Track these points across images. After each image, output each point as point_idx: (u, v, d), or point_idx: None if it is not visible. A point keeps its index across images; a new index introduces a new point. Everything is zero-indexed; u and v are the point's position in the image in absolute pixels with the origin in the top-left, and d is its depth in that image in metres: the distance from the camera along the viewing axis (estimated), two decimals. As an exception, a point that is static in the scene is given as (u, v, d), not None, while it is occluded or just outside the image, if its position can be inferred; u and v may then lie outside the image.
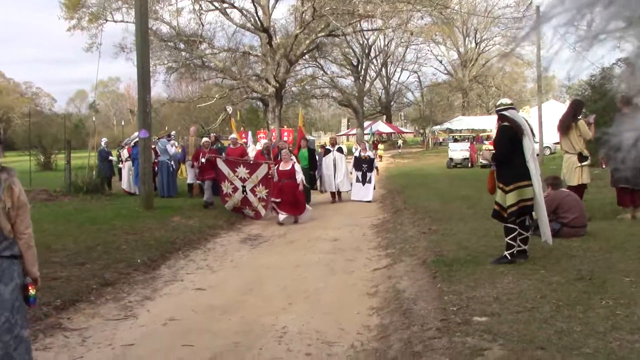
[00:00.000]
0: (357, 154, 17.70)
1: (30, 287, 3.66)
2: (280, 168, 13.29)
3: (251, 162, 13.89)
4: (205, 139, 15.85)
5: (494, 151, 7.20)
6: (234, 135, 16.69)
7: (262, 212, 13.35)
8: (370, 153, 17.79)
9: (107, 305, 6.57)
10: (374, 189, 17.24)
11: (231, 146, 15.78)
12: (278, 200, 13.01)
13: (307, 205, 13.60)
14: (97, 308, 6.43)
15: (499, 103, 7.13)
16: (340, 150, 17.61)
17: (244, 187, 13.37)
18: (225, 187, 13.55)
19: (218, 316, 6.15)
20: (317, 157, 17.11)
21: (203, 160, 14.27)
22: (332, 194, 17.24)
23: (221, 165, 13.66)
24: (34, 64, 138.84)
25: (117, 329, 5.77)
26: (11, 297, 3.50)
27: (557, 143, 11.10)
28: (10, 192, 3.53)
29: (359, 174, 17.01)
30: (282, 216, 12.90)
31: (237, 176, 13.41)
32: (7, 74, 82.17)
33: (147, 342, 5.37)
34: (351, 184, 17.17)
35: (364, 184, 16.88)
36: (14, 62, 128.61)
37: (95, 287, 7.03)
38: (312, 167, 16.32)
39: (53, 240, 9.33)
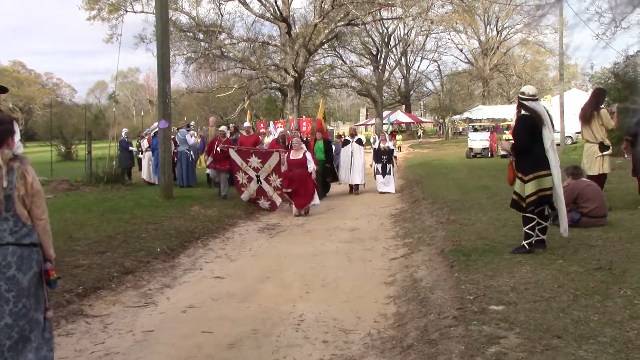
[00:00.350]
0: (376, 145, 17.38)
1: (51, 272, 3.77)
2: (290, 157, 12.94)
3: (263, 150, 13.73)
4: (222, 128, 15.61)
5: (512, 141, 7.15)
6: (247, 124, 16.46)
7: (278, 201, 13.22)
8: (389, 144, 17.35)
9: (128, 292, 6.68)
10: (395, 180, 16.93)
11: (244, 134, 15.56)
12: (289, 190, 12.73)
13: (316, 198, 13.10)
14: (117, 295, 6.54)
15: (524, 91, 7.00)
16: (359, 142, 17.17)
17: (258, 176, 13.22)
18: (241, 178, 13.41)
19: (236, 304, 6.22)
20: (333, 148, 16.87)
21: (218, 149, 14.02)
22: (350, 186, 16.89)
23: (234, 155, 13.47)
24: (54, 55, 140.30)
25: (137, 315, 5.87)
26: (29, 284, 3.61)
27: (579, 132, 10.97)
28: (23, 179, 3.61)
29: (379, 165, 16.64)
30: (296, 209, 12.75)
31: (250, 166, 13.24)
32: (28, 65, 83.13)
33: (166, 329, 5.45)
34: (374, 176, 16.83)
35: (384, 176, 16.54)
36: (35, 53, 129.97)
37: (116, 274, 7.14)
38: (329, 159, 15.95)
39: (75, 229, 9.48)
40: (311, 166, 12.82)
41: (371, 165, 16.91)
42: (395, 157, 17.23)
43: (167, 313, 5.96)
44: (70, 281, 6.54)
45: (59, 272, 4.73)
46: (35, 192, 3.70)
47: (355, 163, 16.51)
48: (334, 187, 16.89)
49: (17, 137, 4.75)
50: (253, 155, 13.29)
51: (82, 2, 33.09)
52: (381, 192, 16.24)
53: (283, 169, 12.89)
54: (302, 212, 12.79)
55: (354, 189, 16.78)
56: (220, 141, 14.28)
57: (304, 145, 13.43)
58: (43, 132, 43.72)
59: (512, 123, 6.95)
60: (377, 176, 16.63)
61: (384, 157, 16.58)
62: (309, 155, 12.99)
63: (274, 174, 13.11)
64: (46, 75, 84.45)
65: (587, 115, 9.63)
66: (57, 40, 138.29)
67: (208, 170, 16.56)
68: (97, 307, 6.10)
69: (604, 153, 9.52)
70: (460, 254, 7.06)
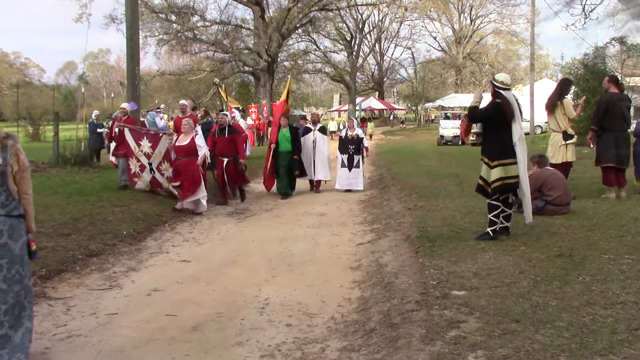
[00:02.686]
0: (343, 133, 15.05)
1: (32, 243, 4.06)
2: (176, 143, 10.91)
3: (153, 132, 11.82)
4: (123, 105, 13.23)
5: (475, 105, 7.15)
6: (183, 102, 13.69)
7: (176, 193, 11.01)
8: (359, 131, 14.60)
9: (92, 275, 6.62)
10: (364, 175, 14.46)
11: (180, 115, 13.28)
12: (177, 183, 10.87)
13: (201, 192, 10.71)
14: (82, 278, 6.47)
15: (499, 79, 7.01)
16: (323, 130, 14.68)
17: (150, 164, 11.42)
18: (133, 165, 11.61)
19: (202, 287, 6.21)
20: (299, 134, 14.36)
21: (116, 130, 12.31)
22: (311, 181, 14.27)
23: (128, 136, 11.64)
24: (22, 33, 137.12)
25: (101, 298, 5.82)
26: (20, 252, 3.90)
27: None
28: (16, 157, 3.88)
29: (344, 157, 13.95)
30: (181, 203, 10.61)
31: (142, 151, 11.44)
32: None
33: (130, 312, 5.42)
34: (338, 170, 14.19)
35: (350, 169, 13.88)
36: (2, 31, 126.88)
37: (81, 257, 7.06)
38: (296, 150, 13.47)
39: (40, 211, 9.26)
40: (202, 152, 10.77)
41: (336, 157, 14.40)
42: (366, 147, 14.53)
43: (132, 296, 5.92)
44: (33, 263, 6.40)
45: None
46: (25, 169, 3.98)
47: (318, 155, 13.97)
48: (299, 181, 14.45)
49: None
50: (144, 138, 11.47)
51: (52, -21, 32.39)
52: (345, 191, 13.71)
53: (173, 156, 11.06)
54: (191, 207, 10.69)
55: (315, 185, 14.27)
56: (120, 121, 12.53)
57: (199, 129, 11.38)
58: (10, 113, 42.89)
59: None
60: (341, 170, 13.97)
61: (351, 146, 14.01)
62: (199, 140, 10.84)
63: (165, 162, 11.28)
64: (14, 54, 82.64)
65: (552, 104, 9.79)
66: (25, 18, 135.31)
67: (112, 158, 15.34)
68: (60, 290, 6.03)
69: (568, 142, 9.68)
70: (426, 239, 7.13)
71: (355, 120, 15.53)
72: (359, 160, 13.93)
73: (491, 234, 6.92)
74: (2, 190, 3.84)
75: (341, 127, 19.78)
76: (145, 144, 11.39)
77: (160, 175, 11.36)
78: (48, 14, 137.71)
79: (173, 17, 35.57)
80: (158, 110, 17.88)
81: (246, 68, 39.43)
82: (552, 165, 9.34)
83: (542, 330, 4.06)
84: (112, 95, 51.03)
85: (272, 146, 13.43)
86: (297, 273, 6.76)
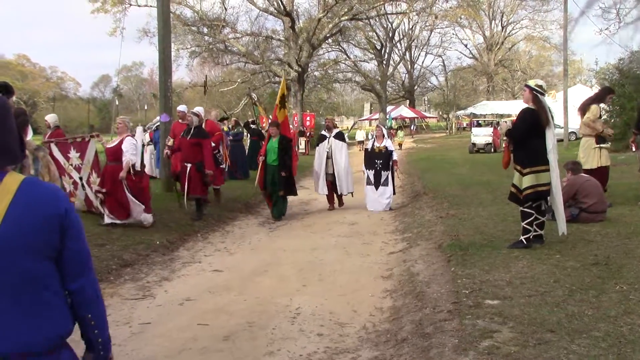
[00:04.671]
0: (369, 144, 12.90)
1: None
2: (108, 145, 9.44)
3: (79, 139, 9.92)
4: (48, 117, 12.02)
5: (510, 126, 7.10)
6: (180, 108, 12.67)
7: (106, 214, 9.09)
8: (387, 143, 12.42)
9: (126, 285, 6.70)
10: (394, 192, 12.37)
11: (179, 121, 12.29)
12: (103, 190, 9.05)
13: (137, 209, 9.00)
14: (116, 288, 6.56)
15: (536, 83, 6.92)
16: (340, 136, 12.76)
17: (81, 178, 9.66)
18: (67, 184, 9.71)
19: (233, 297, 6.24)
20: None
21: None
22: (329, 197, 12.57)
23: (56, 152, 9.68)
24: (58, 48, 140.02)
25: (135, 308, 5.89)
26: None
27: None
28: (47, 168, 3.85)
29: (371, 172, 12.09)
30: (107, 218, 9.03)
31: (72, 164, 9.71)
32: (33, 59, 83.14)
33: (163, 321, 5.48)
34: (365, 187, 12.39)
35: (377, 187, 12.04)
36: (39, 46, 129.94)
37: (115, 267, 7.16)
38: (283, 165, 11.23)
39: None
40: (126, 159, 8.79)
41: (363, 172, 12.65)
42: (395, 161, 12.33)
43: (165, 305, 5.98)
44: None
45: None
46: (56, 180, 3.98)
47: (336, 165, 12.33)
48: (316, 197, 13.54)
49: (30, 132, 5.14)
50: (72, 149, 9.71)
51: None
52: (371, 211, 12.00)
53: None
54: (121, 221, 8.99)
55: (332, 201, 12.61)
56: (52, 136, 10.97)
57: (139, 130, 9.77)
58: (47, 126, 43.98)
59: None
60: (367, 188, 12.22)
61: (378, 161, 12.07)
62: (127, 143, 8.90)
63: (93, 172, 9.49)
64: (50, 68, 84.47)
65: (583, 108, 9.64)
66: (61, 32, 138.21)
67: None
68: (94, 299, 6.12)
69: (602, 145, 9.49)
70: (458, 248, 7.06)
71: (384, 129, 13.12)
72: (387, 177, 11.98)
73: (525, 242, 6.82)
74: None
75: (369, 136, 16.44)
76: (74, 156, 9.65)
77: (90, 191, 9.55)
78: (83, 28, 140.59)
79: (205, 30, 36.00)
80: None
81: (277, 79, 39.66)
82: (587, 171, 9.17)
83: (578, 341, 3.98)
84: (146, 107, 51.91)
85: (261, 158, 11.60)
86: (328, 282, 6.76)
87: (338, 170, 12.26)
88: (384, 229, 10.06)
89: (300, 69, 34.38)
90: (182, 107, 12.69)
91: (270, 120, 13.48)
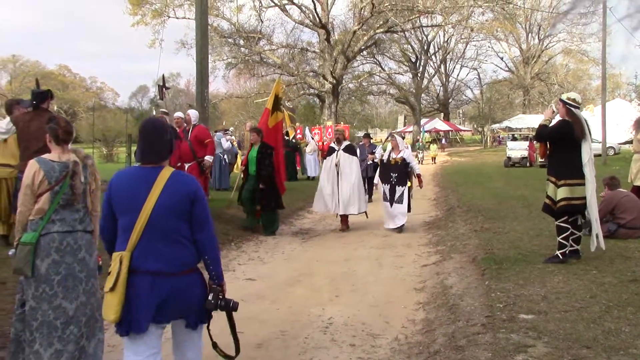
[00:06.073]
0: (385, 156, 11.29)
1: (99, 258, 4.22)
2: None
3: None
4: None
5: (545, 124, 7.00)
6: (189, 112, 11.95)
7: None
8: (405, 153, 11.01)
9: (161, 291, 6.80)
10: (409, 210, 10.94)
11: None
12: None
13: None
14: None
15: (570, 97, 6.88)
16: (349, 149, 11.36)
17: None
18: None
19: (266, 305, 6.29)
20: (358, 152, 12.17)
21: None
22: (342, 218, 11.33)
23: None
24: (98, 59, 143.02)
25: (169, 314, 5.97)
26: (94, 266, 4.08)
27: (622, 143, 10.78)
28: (94, 176, 4.14)
29: (386, 187, 10.92)
30: None
31: None
32: (73, 69, 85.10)
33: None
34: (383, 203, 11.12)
35: (392, 204, 10.81)
36: (79, 56, 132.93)
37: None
38: (259, 176, 10.36)
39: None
40: None
41: (376, 186, 11.81)
42: (418, 175, 11.16)
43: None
44: (102, 279, 6.69)
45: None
46: (99, 188, 4.21)
47: (344, 182, 10.97)
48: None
49: None
50: None
51: (127, 8, 33.94)
52: (388, 229, 10.92)
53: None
54: None
55: (342, 222, 11.40)
56: None
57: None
58: (86, 135, 44.83)
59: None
60: (384, 204, 11.03)
61: (393, 174, 10.78)
62: None
63: None
64: (90, 79, 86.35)
65: (638, 124, 9.49)
66: (101, 44, 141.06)
67: None
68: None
69: None
70: (492, 262, 7.01)
71: (398, 138, 11.62)
72: (402, 194, 10.66)
73: (561, 257, 6.74)
74: (82, 207, 4.03)
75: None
76: None
77: None
78: (123, 39, 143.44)
79: (241, 42, 36.53)
80: (226, 132, 18.35)
81: (311, 90, 39.94)
82: (636, 187, 9.00)
83: (615, 358, 3.93)
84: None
85: (241, 168, 11.10)
86: (360, 293, 6.76)
87: (347, 187, 10.94)
88: (417, 241, 10.02)
89: (334, 81, 34.57)
90: (178, 114, 12.09)
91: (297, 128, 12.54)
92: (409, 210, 10.87)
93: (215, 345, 3.77)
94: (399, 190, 10.69)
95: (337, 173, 11.02)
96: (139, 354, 3.30)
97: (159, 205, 3.22)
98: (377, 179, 11.16)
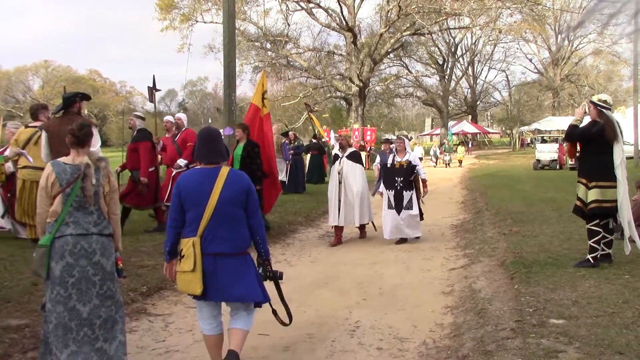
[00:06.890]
0: (389, 160, 10.30)
1: (119, 261, 4.23)
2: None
3: None
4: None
5: (576, 124, 6.90)
6: (179, 115, 11.60)
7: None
8: (412, 156, 10.24)
9: (189, 293, 6.84)
10: (422, 218, 10.27)
11: (166, 135, 11.05)
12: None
13: None
14: (179, 296, 6.69)
15: (601, 98, 6.79)
16: (354, 157, 10.38)
17: None
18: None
19: (294, 308, 6.21)
20: (378, 158, 11.25)
21: None
22: (337, 228, 10.32)
23: None
24: (128, 63, 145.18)
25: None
26: (111, 269, 4.09)
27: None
28: (107, 178, 4.17)
29: (391, 193, 10.10)
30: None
31: None
32: (104, 74, 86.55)
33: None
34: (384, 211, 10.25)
35: (399, 212, 9.95)
36: (110, 61, 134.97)
37: (179, 276, 7.32)
38: (256, 179, 8.99)
39: (141, 231, 9.80)
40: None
41: (381, 194, 10.46)
42: (423, 180, 10.25)
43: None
44: (135, 280, 6.77)
45: (126, 272, 4.94)
46: (114, 190, 4.25)
47: (348, 191, 10.14)
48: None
49: (98, 143, 5.53)
50: None
51: (156, 13, 34.39)
52: (398, 241, 10.08)
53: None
54: None
55: (340, 234, 10.38)
56: None
57: None
58: (115, 138, 45.49)
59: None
60: (387, 212, 10.09)
61: (398, 178, 10.01)
62: None
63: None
64: (120, 83, 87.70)
65: None
66: (130, 48, 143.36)
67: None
68: (159, 307, 6.30)
69: None
70: (522, 266, 6.92)
71: (405, 141, 10.70)
72: (410, 198, 9.98)
73: (592, 261, 6.62)
74: (95, 210, 4.07)
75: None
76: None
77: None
78: (152, 44, 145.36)
79: (268, 45, 36.76)
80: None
81: (338, 93, 39.96)
82: None
83: (649, 364, 3.84)
84: (210, 120, 53.06)
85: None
86: (387, 297, 6.73)
87: (350, 196, 10.12)
88: (445, 244, 9.94)
89: (361, 84, 34.54)
90: (168, 117, 11.58)
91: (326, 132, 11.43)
92: (421, 218, 10.21)
93: (275, 313, 4.69)
94: (406, 195, 9.94)
95: (340, 182, 10.22)
96: (205, 314, 4.37)
97: (222, 198, 4.01)
98: (381, 187, 10.35)
